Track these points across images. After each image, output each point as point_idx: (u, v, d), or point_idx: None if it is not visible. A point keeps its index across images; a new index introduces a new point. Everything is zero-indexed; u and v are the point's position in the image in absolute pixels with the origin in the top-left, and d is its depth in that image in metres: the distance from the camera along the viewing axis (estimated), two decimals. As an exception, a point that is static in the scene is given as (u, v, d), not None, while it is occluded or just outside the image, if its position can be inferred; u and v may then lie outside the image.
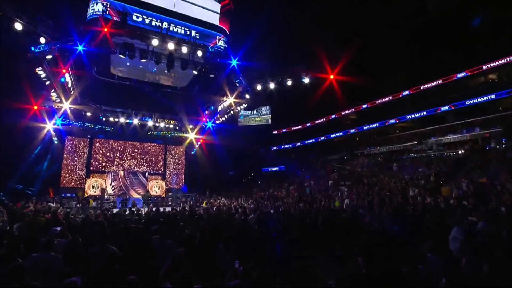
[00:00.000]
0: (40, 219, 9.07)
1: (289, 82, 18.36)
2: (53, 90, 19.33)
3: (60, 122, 27.09)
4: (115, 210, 15.47)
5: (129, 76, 23.01)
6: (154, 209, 13.88)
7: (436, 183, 17.79)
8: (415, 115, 26.31)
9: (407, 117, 26.75)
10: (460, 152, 21.99)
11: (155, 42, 15.20)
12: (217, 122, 26.17)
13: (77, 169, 29.71)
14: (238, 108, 22.12)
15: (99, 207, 18.77)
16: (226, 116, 24.42)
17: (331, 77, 17.84)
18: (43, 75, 16.86)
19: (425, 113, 25.53)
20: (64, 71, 17.54)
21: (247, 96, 19.85)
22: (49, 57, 15.46)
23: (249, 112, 27.81)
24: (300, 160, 35.78)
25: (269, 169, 36.99)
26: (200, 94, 24.09)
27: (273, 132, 37.09)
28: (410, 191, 17.48)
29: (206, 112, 26.71)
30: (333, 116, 33.19)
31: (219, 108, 23.29)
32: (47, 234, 6.75)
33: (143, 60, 15.71)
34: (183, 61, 16.40)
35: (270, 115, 28.24)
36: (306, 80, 18.11)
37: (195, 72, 17.32)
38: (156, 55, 15.74)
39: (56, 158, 28.46)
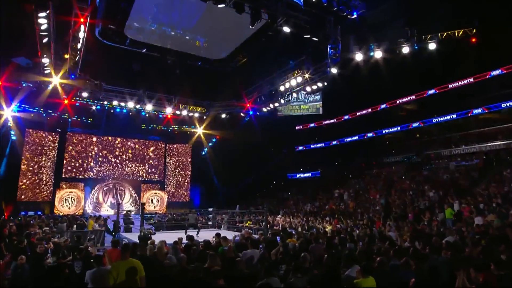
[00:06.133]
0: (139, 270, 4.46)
1: (406, 49, 14.86)
2: (45, 55, 14.32)
3: (16, 108, 22.20)
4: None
5: (146, 41, 18.32)
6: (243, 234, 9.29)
7: None
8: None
9: (503, 105, 23.60)
10: None
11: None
12: (264, 110, 22.09)
13: (42, 176, 24.89)
14: (308, 89, 18.27)
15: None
16: (283, 101, 20.49)
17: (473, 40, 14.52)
18: (44, 25, 12.11)
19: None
20: (82, 20, 12.92)
21: (334, 71, 16.05)
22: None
23: (293, 97, 23.97)
24: (340, 163, 32.51)
25: (298, 175, 33.25)
26: (244, 69, 19.91)
27: (297, 128, 33.45)
28: None
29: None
30: (382, 106, 29.77)
31: (281, 89, 19.04)
32: None
33: (221, 5, 11.45)
34: (273, 9, 12.32)
35: (320, 102, 24.54)
36: (432, 46, 14.72)
37: (286, 30, 13.28)
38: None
39: (12, 160, 23.13)
